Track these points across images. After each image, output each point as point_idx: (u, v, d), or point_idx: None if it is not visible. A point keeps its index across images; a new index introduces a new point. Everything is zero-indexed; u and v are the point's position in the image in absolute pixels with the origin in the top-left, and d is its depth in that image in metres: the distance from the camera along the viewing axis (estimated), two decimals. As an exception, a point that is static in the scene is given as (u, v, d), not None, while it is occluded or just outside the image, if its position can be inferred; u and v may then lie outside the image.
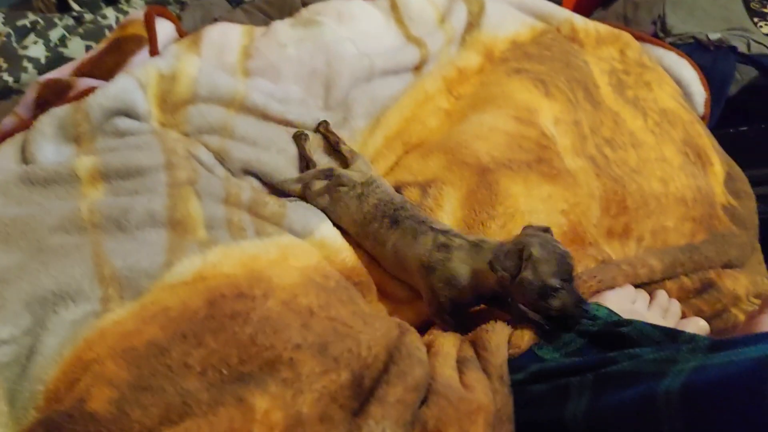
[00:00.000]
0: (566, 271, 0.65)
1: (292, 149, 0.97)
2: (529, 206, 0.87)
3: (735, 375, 0.47)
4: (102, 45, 1.03)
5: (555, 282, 0.64)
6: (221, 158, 0.90)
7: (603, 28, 1.28)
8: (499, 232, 0.84)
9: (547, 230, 0.70)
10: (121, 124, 0.86)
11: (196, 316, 0.58)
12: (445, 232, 0.74)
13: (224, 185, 0.79)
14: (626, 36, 1.27)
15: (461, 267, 0.70)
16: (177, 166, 0.78)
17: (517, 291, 0.67)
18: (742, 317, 0.83)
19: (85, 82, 0.95)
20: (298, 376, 0.53)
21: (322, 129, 0.98)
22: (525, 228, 0.70)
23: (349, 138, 0.99)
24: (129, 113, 0.87)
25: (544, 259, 0.64)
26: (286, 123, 0.99)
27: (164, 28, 1.10)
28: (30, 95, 0.94)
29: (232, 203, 0.77)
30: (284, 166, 0.93)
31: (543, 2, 1.31)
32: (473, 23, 1.20)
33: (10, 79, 1.02)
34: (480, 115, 0.99)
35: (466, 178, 0.87)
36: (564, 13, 1.28)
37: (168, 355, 0.55)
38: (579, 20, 1.28)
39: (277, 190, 0.91)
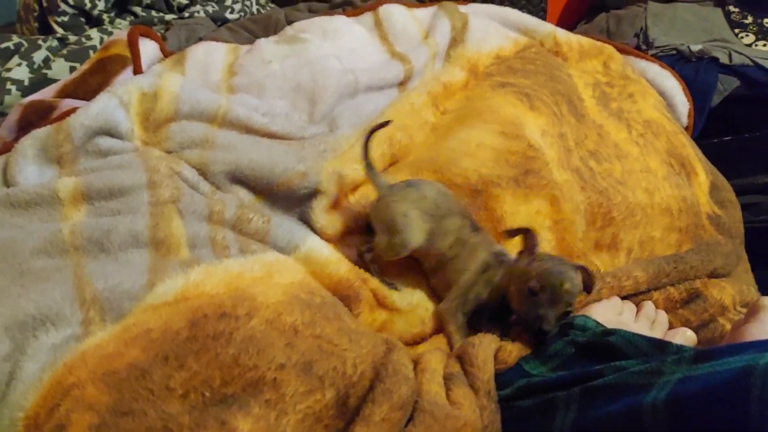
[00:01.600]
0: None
1: (278, 149, 0.95)
2: (517, 224, 0.87)
3: (718, 386, 0.46)
4: (85, 66, 1.03)
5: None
6: (203, 172, 0.89)
7: (586, 42, 1.29)
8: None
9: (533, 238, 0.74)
10: (104, 143, 0.85)
11: (178, 338, 0.57)
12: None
13: (208, 203, 0.78)
14: (609, 49, 1.28)
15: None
16: (159, 184, 0.77)
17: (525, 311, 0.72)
18: (729, 327, 0.83)
19: (68, 103, 0.95)
20: (282, 396, 0.53)
21: None
22: (536, 251, 0.74)
23: (335, 145, 0.98)
24: (111, 132, 0.87)
25: (568, 292, 0.70)
26: (270, 135, 0.98)
27: (148, 48, 1.10)
28: (13, 117, 0.94)
29: (216, 221, 0.76)
30: (274, 161, 0.91)
31: (526, 17, 1.32)
32: (457, 39, 1.21)
33: (-7, 101, 1.01)
34: (467, 131, 0.99)
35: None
36: (547, 27, 1.29)
37: (149, 378, 0.54)
38: (562, 34, 1.29)
39: (265, 202, 0.90)
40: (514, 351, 0.69)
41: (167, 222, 0.72)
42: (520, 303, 0.72)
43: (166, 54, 1.14)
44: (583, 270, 0.73)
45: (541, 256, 0.73)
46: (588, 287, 0.73)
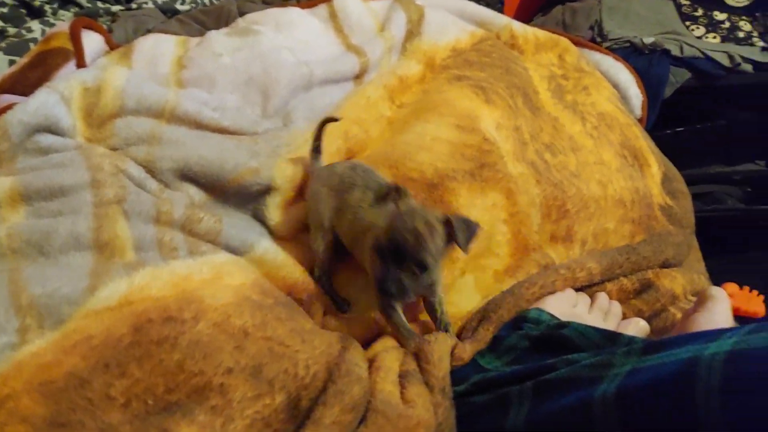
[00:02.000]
0: None
1: (229, 144, 0.92)
2: (472, 217, 0.86)
3: (665, 377, 0.47)
4: (25, 59, 0.99)
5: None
6: (150, 169, 0.86)
7: (542, 34, 1.30)
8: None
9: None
10: (44, 141, 0.82)
11: (120, 344, 0.55)
12: None
13: (155, 203, 0.76)
14: (565, 41, 1.29)
15: None
16: (103, 183, 0.74)
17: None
18: (680, 316, 0.84)
19: (6, 99, 0.91)
20: (229, 402, 0.51)
21: None
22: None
23: (289, 140, 0.96)
24: (52, 129, 0.83)
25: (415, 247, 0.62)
26: (221, 130, 0.95)
27: (92, 41, 1.06)
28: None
29: (164, 222, 0.74)
30: (224, 157, 0.88)
31: (483, 9, 1.31)
32: (413, 31, 1.19)
33: None
34: (423, 125, 0.98)
35: (414, 195, 0.86)
36: (503, 20, 1.29)
37: (89, 387, 0.52)
38: (518, 27, 1.29)
39: (216, 200, 0.88)
40: (469, 348, 0.69)
41: (112, 223, 0.69)
42: (371, 264, 0.65)
43: (112, 47, 1.10)
44: (447, 222, 0.63)
45: (403, 206, 0.64)
46: (460, 242, 0.62)
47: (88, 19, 1.08)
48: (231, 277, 0.68)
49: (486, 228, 0.88)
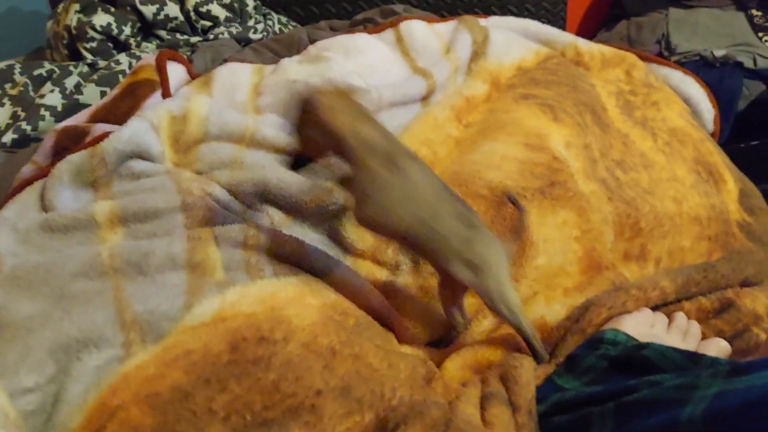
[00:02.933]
0: None
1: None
2: (543, 235, 0.87)
3: (755, 401, 0.46)
4: (116, 91, 1.06)
5: None
6: (234, 192, 0.91)
7: (607, 50, 1.29)
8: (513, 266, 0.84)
9: None
10: (136, 166, 0.88)
11: (219, 361, 0.58)
12: None
13: (242, 228, 0.80)
14: (631, 57, 1.28)
15: None
16: (193, 206, 0.79)
17: None
18: (763, 336, 0.82)
19: (101, 128, 0.98)
20: (320, 418, 0.54)
21: None
22: None
23: None
24: (143, 155, 0.89)
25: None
26: (297, 153, 1.00)
27: (176, 71, 1.13)
28: (47, 143, 0.97)
29: (250, 246, 0.77)
30: (301, 178, 0.92)
31: (546, 27, 1.32)
32: (478, 52, 1.22)
33: (28, 128, 1.04)
34: (491, 144, 0.99)
35: (483, 212, 0.88)
36: (567, 37, 1.29)
37: (192, 400, 0.55)
38: (583, 43, 1.29)
39: (295, 220, 0.91)
40: (540, 370, 0.70)
41: (203, 245, 0.73)
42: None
43: (193, 76, 1.17)
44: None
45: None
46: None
47: (172, 51, 1.15)
48: (313, 296, 0.71)
49: (557, 246, 0.89)
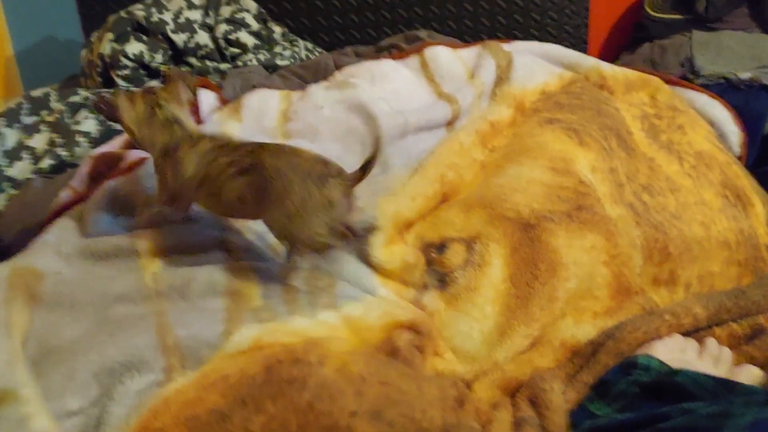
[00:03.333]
0: None
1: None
2: (572, 258, 0.88)
3: None
4: (150, 117, 1.09)
5: None
6: None
7: (631, 74, 1.30)
8: (542, 289, 0.85)
9: None
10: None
11: (254, 382, 0.60)
12: None
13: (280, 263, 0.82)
14: (655, 80, 1.28)
15: None
16: (231, 238, 0.81)
17: None
18: (797, 363, 0.81)
19: (135, 154, 1.01)
20: (357, 439, 0.55)
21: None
22: None
23: (387, 184, 1.00)
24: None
25: None
26: None
27: (207, 98, 1.16)
28: (83, 169, 1.00)
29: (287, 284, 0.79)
30: None
31: (569, 51, 1.33)
32: (502, 77, 1.23)
33: (64, 153, 1.08)
34: (517, 168, 1.00)
35: (509, 234, 0.89)
36: (591, 61, 1.30)
37: (230, 422, 0.56)
38: (606, 67, 1.30)
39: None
40: (571, 391, 0.70)
41: (243, 276, 0.75)
42: None
43: (223, 102, 1.20)
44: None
45: None
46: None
47: (203, 78, 1.18)
48: (347, 329, 0.72)
49: (586, 269, 0.89)
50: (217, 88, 1.19)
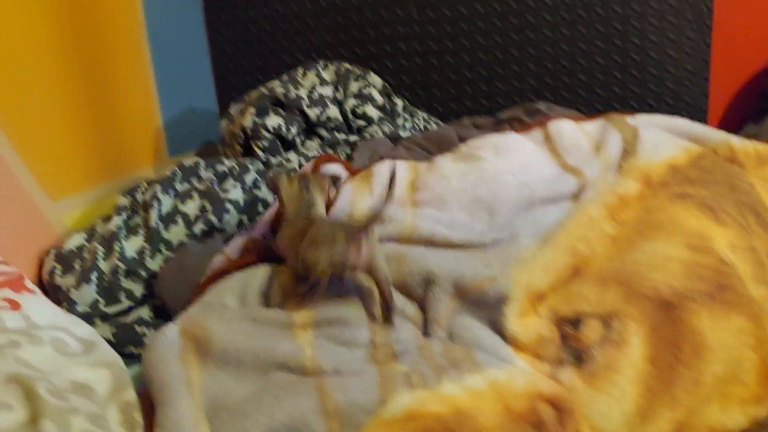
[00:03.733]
0: None
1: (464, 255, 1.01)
2: (718, 341, 0.85)
3: None
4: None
5: None
6: (403, 285, 0.96)
7: (763, 148, 1.27)
8: (687, 373, 0.83)
9: None
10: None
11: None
12: None
13: (416, 342, 0.85)
14: (789, 154, 1.24)
15: None
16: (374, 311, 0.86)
17: None
18: None
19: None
20: None
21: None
22: None
23: (516, 253, 1.02)
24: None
25: None
26: (452, 246, 1.04)
27: (335, 170, 1.24)
28: (238, 241, 1.07)
29: (426, 356, 0.82)
30: (463, 266, 0.97)
31: (695, 125, 1.32)
32: (628, 150, 1.23)
33: (214, 219, 1.17)
34: (651, 243, 1.00)
35: (648, 313, 0.88)
36: (719, 135, 1.29)
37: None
38: (736, 140, 1.28)
39: (460, 307, 0.94)
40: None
41: (387, 349, 0.80)
42: None
43: (351, 171, 1.27)
44: None
45: None
46: None
47: (327, 155, 1.26)
48: (493, 398, 0.74)
49: (733, 353, 0.86)
50: (339, 159, 1.27)
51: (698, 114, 1.71)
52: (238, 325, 0.82)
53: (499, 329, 0.92)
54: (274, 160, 1.34)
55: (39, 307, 0.86)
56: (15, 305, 0.82)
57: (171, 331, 0.83)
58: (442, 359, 0.81)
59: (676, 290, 0.91)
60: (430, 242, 1.05)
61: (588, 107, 1.77)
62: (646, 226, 1.07)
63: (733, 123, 1.72)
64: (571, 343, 0.90)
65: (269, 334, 0.81)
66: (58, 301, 1.07)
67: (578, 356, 0.88)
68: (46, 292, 1.11)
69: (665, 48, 1.69)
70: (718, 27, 1.69)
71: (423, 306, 0.94)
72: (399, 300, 0.93)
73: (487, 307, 0.94)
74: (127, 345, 1.02)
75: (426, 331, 0.91)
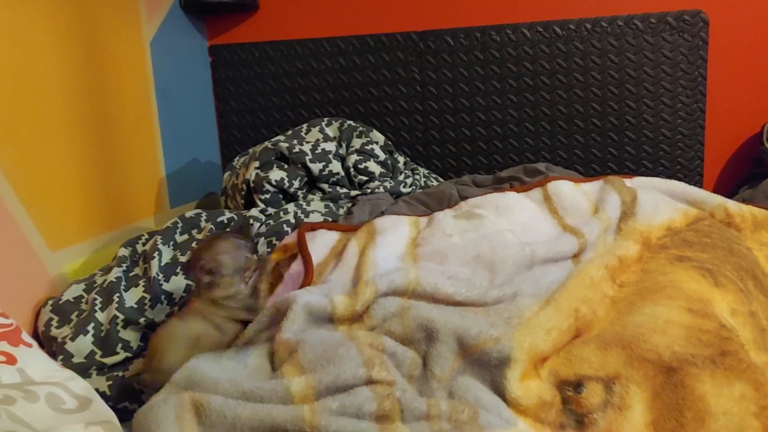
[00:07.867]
0: None
1: (468, 314, 1.01)
2: (721, 408, 0.85)
3: None
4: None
5: None
6: (406, 340, 0.97)
7: (759, 212, 1.29)
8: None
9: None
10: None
11: None
12: None
13: (426, 402, 0.84)
14: (785, 219, 1.26)
15: None
16: (378, 375, 0.85)
17: None
18: None
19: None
20: None
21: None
22: None
23: (517, 312, 1.02)
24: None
25: None
26: (455, 303, 1.04)
27: (322, 236, 1.24)
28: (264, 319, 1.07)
29: (433, 415, 0.81)
30: (468, 323, 0.97)
31: (693, 188, 1.34)
32: (627, 212, 1.25)
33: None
34: (652, 306, 1.00)
35: (650, 377, 0.87)
36: (716, 199, 1.31)
37: None
38: (732, 205, 1.29)
39: (463, 366, 0.94)
40: None
41: (393, 417, 0.79)
42: None
43: (341, 229, 1.26)
44: None
45: None
46: None
47: (308, 224, 1.25)
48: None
49: (736, 420, 0.85)
50: (323, 224, 1.27)
51: (694, 177, 1.73)
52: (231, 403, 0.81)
53: (500, 392, 0.91)
54: (271, 211, 1.35)
55: (35, 361, 0.85)
56: (11, 359, 0.81)
57: (167, 392, 0.82)
58: (447, 424, 0.80)
59: (678, 354, 0.90)
60: (433, 298, 1.05)
61: (585, 168, 1.80)
62: (646, 288, 1.08)
63: (728, 186, 1.74)
64: (572, 407, 0.89)
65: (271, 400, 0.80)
66: (53, 353, 1.06)
67: (580, 420, 0.87)
68: (41, 343, 1.10)
69: (660, 112, 1.73)
70: (713, 93, 1.73)
71: (425, 361, 0.94)
72: (400, 351, 0.92)
73: (489, 368, 0.93)
74: (124, 400, 1.00)
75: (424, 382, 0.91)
